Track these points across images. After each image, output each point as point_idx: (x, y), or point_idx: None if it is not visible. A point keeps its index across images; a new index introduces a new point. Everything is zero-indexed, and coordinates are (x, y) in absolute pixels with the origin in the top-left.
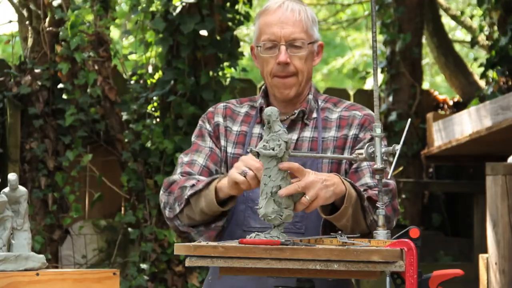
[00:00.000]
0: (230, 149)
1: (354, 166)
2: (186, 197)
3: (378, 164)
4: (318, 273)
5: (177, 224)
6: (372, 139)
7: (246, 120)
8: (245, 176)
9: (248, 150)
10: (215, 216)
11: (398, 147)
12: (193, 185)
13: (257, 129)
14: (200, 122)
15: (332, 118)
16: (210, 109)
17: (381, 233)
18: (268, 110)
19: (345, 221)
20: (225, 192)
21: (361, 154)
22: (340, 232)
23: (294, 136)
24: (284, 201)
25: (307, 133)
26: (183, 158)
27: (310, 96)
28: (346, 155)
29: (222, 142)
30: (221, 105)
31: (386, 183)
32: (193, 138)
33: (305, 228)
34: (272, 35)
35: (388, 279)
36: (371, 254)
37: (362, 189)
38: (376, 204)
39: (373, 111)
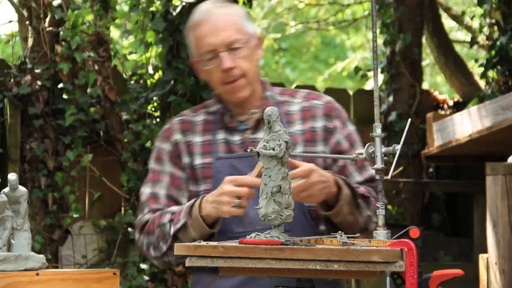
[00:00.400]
0: (197, 161)
1: (340, 163)
2: (171, 233)
3: (378, 164)
4: (318, 273)
5: (168, 260)
6: (335, 129)
7: (207, 128)
8: (239, 206)
9: (248, 150)
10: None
11: (398, 147)
12: (171, 220)
13: (221, 135)
14: (156, 143)
15: (294, 111)
16: (166, 126)
17: (381, 233)
18: (268, 110)
19: (342, 218)
20: (214, 217)
21: (361, 154)
22: (340, 232)
23: (262, 135)
24: (284, 201)
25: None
26: (144, 192)
27: (269, 93)
28: (321, 148)
29: (185, 160)
30: (176, 120)
31: (372, 176)
32: (151, 164)
33: (289, 227)
34: (209, 46)
35: (388, 279)
36: (371, 254)
37: (354, 185)
38: (376, 204)
39: (373, 111)
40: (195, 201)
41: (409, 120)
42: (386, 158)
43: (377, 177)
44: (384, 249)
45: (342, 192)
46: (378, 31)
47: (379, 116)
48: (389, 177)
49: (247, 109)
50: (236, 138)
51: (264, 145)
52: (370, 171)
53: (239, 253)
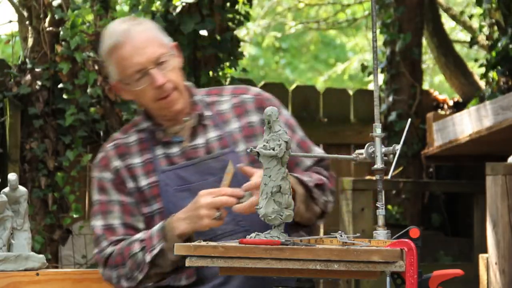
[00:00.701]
0: (143, 182)
1: (295, 161)
2: (147, 261)
3: (378, 164)
4: (319, 273)
5: None
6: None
7: (143, 147)
8: (219, 218)
9: (248, 151)
10: None
11: (398, 147)
12: (143, 248)
13: (159, 151)
14: (95, 173)
15: (225, 109)
16: (101, 154)
17: (381, 233)
18: (268, 110)
19: (300, 217)
20: (189, 233)
21: (361, 154)
22: (340, 232)
23: (201, 140)
24: (284, 201)
25: (212, 133)
26: (97, 225)
27: (198, 97)
28: (255, 142)
29: (130, 184)
30: (110, 147)
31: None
32: (95, 196)
33: (250, 225)
34: (137, 65)
35: (388, 279)
36: (371, 254)
37: (307, 177)
38: (376, 204)
39: (373, 111)
40: (164, 223)
41: (409, 120)
42: (386, 158)
43: (377, 177)
44: (384, 249)
45: (297, 193)
46: (378, 31)
47: (379, 116)
48: (389, 177)
49: (179, 119)
50: (175, 150)
51: (264, 145)
52: (316, 150)
53: (239, 253)
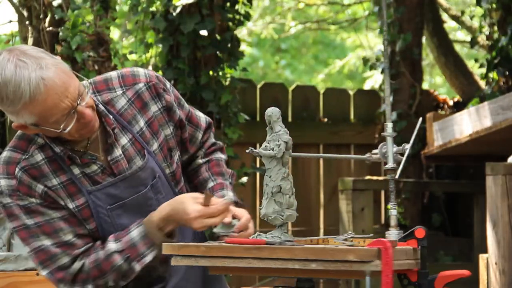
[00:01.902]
0: (70, 205)
1: (185, 136)
2: (137, 270)
3: (390, 164)
4: (300, 272)
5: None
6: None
7: (55, 167)
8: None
9: (248, 151)
10: None
11: (407, 146)
12: (127, 258)
13: (76, 170)
14: (13, 200)
15: (124, 106)
16: (10, 182)
17: (392, 234)
18: (269, 110)
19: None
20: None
21: (375, 154)
22: (349, 232)
23: (118, 152)
24: (285, 201)
25: (124, 139)
26: (45, 245)
27: (100, 106)
28: (169, 129)
29: (62, 202)
30: (17, 172)
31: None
32: (24, 221)
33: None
34: (65, 110)
35: (367, 278)
36: (346, 253)
37: (224, 179)
38: (389, 204)
39: (373, 111)
40: (144, 231)
41: (420, 119)
42: (400, 157)
43: (389, 176)
44: (359, 248)
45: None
46: (377, 31)
47: (390, 115)
48: (396, 177)
49: (89, 134)
50: (94, 167)
51: (265, 146)
52: (201, 118)
53: (221, 252)
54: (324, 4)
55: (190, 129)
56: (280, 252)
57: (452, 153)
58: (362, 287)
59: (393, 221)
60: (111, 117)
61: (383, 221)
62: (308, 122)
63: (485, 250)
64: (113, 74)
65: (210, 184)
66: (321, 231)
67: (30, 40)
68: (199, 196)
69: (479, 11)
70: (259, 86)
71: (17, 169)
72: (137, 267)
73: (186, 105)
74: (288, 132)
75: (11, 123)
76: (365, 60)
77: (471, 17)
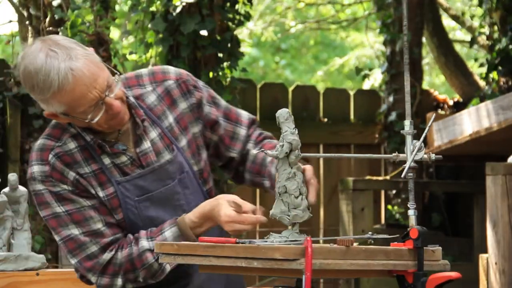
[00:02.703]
0: (101, 194)
1: (221, 132)
2: (167, 270)
3: (409, 163)
4: (256, 271)
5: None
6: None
7: (87, 155)
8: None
9: (255, 151)
10: None
11: (418, 143)
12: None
13: (106, 160)
14: (45, 187)
15: (154, 102)
16: (44, 168)
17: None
18: (277, 112)
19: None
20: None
21: (398, 155)
22: (370, 233)
23: (147, 144)
24: (291, 201)
25: (153, 133)
26: (74, 233)
27: (131, 99)
28: (197, 128)
29: (92, 191)
30: (51, 158)
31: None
32: (55, 208)
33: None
34: (92, 101)
35: (303, 277)
36: (274, 251)
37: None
38: (408, 205)
39: (373, 111)
40: (178, 231)
41: (433, 115)
42: (426, 157)
43: (409, 176)
44: (284, 246)
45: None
46: (377, 31)
47: (410, 112)
48: (402, 175)
49: (120, 126)
50: (124, 159)
51: (277, 146)
52: (243, 115)
53: (188, 250)
54: (323, 4)
55: (229, 126)
56: (228, 251)
57: (452, 153)
58: (362, 287)
59: (411, 222)
60: (141, 110)
61: (383, 221)
62: (308, 122)
63: (485, 250)
64: (144, 71)
65: (268, 160)
66: (321, 231)
67: (30, 40)
68: (234, 200)
69: (479, 11)
70: (259, 86)
71: (50, 155)
72: (168, 267)
73: (222, 103)
74: (295, 132)
75: (11, 123)
76: (358, 70)
77: (471, 17)
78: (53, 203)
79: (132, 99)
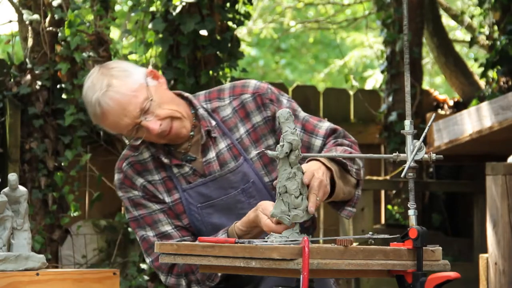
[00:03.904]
0: (167, 199)
1: (305, 146)
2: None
3: (409, 162)
4: (255, 270)
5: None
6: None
7: (158, 164)
8: None
9: (255, 153)
10: None
11: (418, 143)
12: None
13: (175, 169)
14: (122, 194)
15: (229, 115)
16: (120, 175)
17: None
18: (278, 112)
19: (342, 193)
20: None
21: (398, 155)
22: (371, 233)
23: (212, 154)
24: (291, 201)
25: (222, 144)
26: (148, 235)
27: (201, 111)
28: (271, 140)
29: (160, 197)
30: (125, 166)
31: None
32: (133, 212)
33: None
34: (128, 127)
35: (301, 277)
36: (272, 251)
37: (334, 152)
38: (408, 205)
39: (373, 111)
40: (229, 235)
41: (434, 115)
42: (427, 157)
43: (409, 175)
44: (282, 246)
45: (333, 171)
46: (378, 31)
47: (411, 112)
48: (402, 175)
49: (187, 138)
50: (186, 169)
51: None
52: (323, 126)
53: (186, 250)
54: (323, 4)
55: (306, 137)
56: (226, 251)
57: (452, 153)
58: (362, 287)
59: (411, 222)
60: (212, 121)
61: (383, 221)
62: None
63: (485, 250)
64: (227, 85)
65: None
66: (321, 231)
67: (30, 40)
68: (268, 209)
69: (479, 11)
70: None
71: (124, 164)
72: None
73: (301, 114)
74: (296, 132)
75: (11, 123)
76: (347, 77)
77: (471, 17)
78: (130, 208)
79: (202, 111)
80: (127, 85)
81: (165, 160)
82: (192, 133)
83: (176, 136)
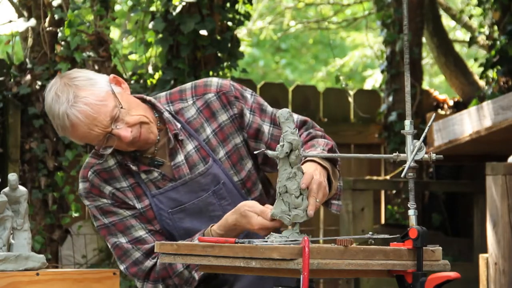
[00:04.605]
0: (138, 206)
1: (265, 139)
2: (197, 279)
3: (409, 162)
4: (255, 270)
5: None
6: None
7: (125, 171)
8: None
9: (257, 152)
10: None
11: (418, 143)
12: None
13: (143, 175)
14: (89, 203)
15: (193, 116)
16: (86, 184)
17: None
18: (279, 112)
19: (334, 190)
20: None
21: (399, 155)
22: (371, 233)
23: (181, 157)
24: (291, 201)
25: (190, 146)
26: (120, 241)
27: (166, 114)
28: (238, 138)
29: (130, 203)
30: (90, 175)
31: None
32: (103, 220)
33: (227, 201)
34: (99, 136)
35: (301, 277)
36: (272, 251)
37: (320, 149)
38: (408, 205)
39: (373, 111)
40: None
41: (434, 115)
42: (427, 157)
43: (409, 176)
44: (282, 246)
45: (328, 169)
46: (378, 31)
47: (411, 112)
48: (402, 175)
49: (153, 143)
50: (155, 174)
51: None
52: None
53: (186, 250)
54: (323, 4)
55: (277, 131)
56: (226, 251)
57: (452, 153)
58: (362, 287)
59: (411, 222)
60: (177, 124)
61: (383, 221)
62: None
63: (485, 250)
64: (188, 85)
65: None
66: (321, 231)
67: (30, 40)
68: (255, 208)
69: (478, 10)
70: (259, 86)
71: (89, 173)
72: (196, 276)
73: (269, 109)
74: (296, 132)
75: (11, 123)
76: (337, 79)
77: (470, 17)
78: (99, 216)
79: (167, 115)
80: (94, 94)
81: (133, 167)
82: (164, 139)
83: (145, 142)
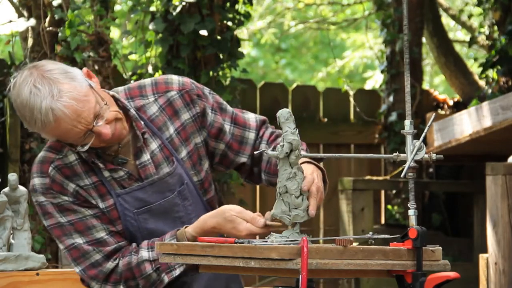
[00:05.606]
0: (101, 205)
1: (227, 140)
2: (166, 282)
3: (409, 162)
4: (255, 270)
5: None
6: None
7: (87, 168)
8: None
9: (256, 153)
10: None
11: (418, 143)
12: (157, 268)
13: (106, 173)
14: (46, 199)
15: (155, 113)
16: (44, 181)
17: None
18: (279, 112)
19: (326, 190)
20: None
21: (398, 155)
22: (371, 233)
23: (147, 157)
24: (291, 201)
25: (154, 145)
26: (78, 243)
27: (132, 111)
28: (200, 137)
29: (93, 202)
30: (51, 170)
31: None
32: (58, 219)
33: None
34: (80, 133)
35: (300, 277)
36: (270, 251)
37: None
38: (408, 205)
39: (373, 111)
40: (179, 241)
41: (434, 115)
42: (427, 157)
43: (409, 176)
44: (281, 246)
45: (324, 171)
46: (378, 31)
47: (411, 112)
48: (402, 175)
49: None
50: (121, 173)
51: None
52: (250, 118)
53: (186, 250)
54: (323, 4)
55: (237, 131)
56: (225, 251)
57: (452, 153)
58: (362, 287)
59: (411, 222)
60: (141, 122)
61: (383, 221)
62: (308, 122)
63: (485, 250)
64: (147, 81)
65: None
66: (321, 231)
67: (30, 40)
68: (241, 213)
69: (478, 10)
70: (259, 86)
71: (50, 168)
72: (166, 279)
73: (229, 108)
74: (296, 132)
75: (11, 123)
76: (340, 79)
77: (469, 17)
78: (55, 214)
79: (133, 112)
80: (77, 89)
81: (101, 165)
82: (129, 137)
83: (118, 138)
